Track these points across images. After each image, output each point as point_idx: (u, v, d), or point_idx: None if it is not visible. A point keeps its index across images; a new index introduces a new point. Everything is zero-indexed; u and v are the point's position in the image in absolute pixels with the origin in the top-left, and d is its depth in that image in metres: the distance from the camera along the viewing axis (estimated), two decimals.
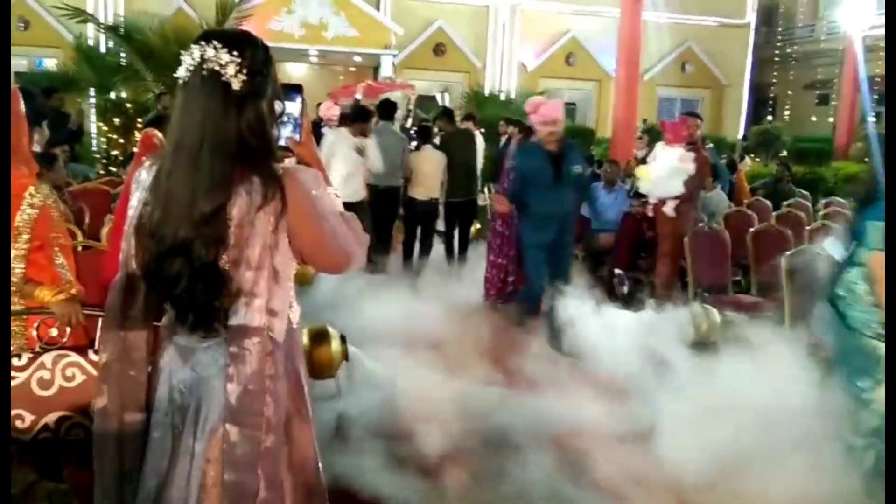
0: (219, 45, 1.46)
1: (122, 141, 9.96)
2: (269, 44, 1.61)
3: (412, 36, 16.36)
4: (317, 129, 7.75)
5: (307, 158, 1.67)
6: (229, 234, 1.45)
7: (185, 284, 1.47)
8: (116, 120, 10.27)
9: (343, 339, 3.44)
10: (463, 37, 17.05)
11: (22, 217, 2.41)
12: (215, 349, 1.53)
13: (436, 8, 16.76)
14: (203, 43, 1.48)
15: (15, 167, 2.39)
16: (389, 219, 6.80)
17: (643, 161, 6.33)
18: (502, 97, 15.96)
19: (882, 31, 17.11)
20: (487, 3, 17.13)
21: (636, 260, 5.83)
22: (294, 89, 1.64)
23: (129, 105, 10.82)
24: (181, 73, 1.49)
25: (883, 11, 17.80)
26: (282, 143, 1.61)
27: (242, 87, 1.46)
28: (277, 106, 1.56)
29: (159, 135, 2.78)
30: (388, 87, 12.06)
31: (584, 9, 17.24)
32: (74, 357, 1.99)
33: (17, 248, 2.40)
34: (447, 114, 7.44)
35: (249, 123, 1.47)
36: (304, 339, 3.34)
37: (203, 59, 1.46)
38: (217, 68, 1.46)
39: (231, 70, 1.46)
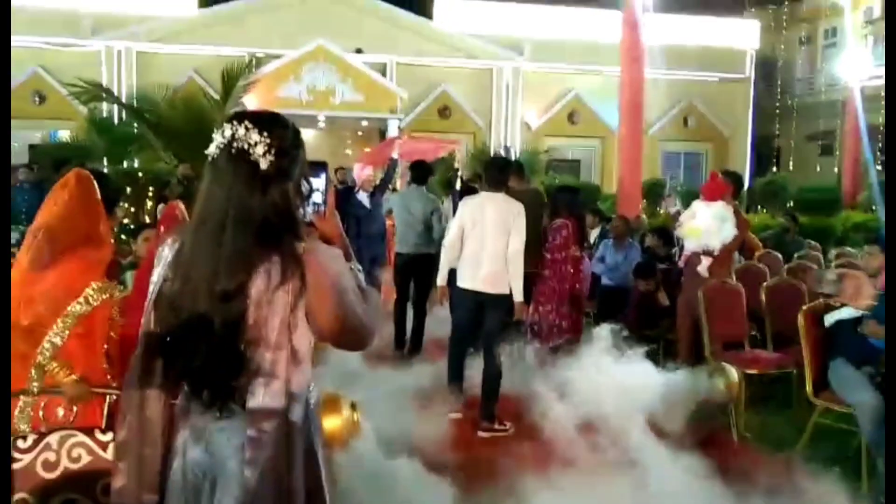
0: (249, 125, 1.50)
1: (133, 210, 10.07)
2: (277, 110, 1.64)
3: (417, 99, 16.68)
4: (349, 193, 7.11)
5: (330, 233, 1.68)
6: (248, 312, 1.45)
7: (201, 360, 1.46)
8: (128, 189, 10.41)
9: (354, 406, 3.35)
10: (467, 98, 17.38)
11: (73, 309, 2.37)
12: (230, 430, 1.50)
13: (440, 71, 17.14)
14: (234, 122, 1.51)
15: (82, 255, 2.35)
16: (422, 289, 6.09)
17: (675, 217, 6.21)
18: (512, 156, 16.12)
19: (881, 82, 17.35)
20: (490, 66, 17.50)
21: (648, 326, 5.77)
22: (319, 165, 1.67)
23: (140, 174, 11.00)
24: (211, 150, 1.52)
25: (881, 63, 18.08)
26: (307, 219, 1.63)
27: (270, 167, 1.49)
28: (304, 186, 1.58)
29: (182, 207, 2.79)
30: (430, 144, 11.55)
31: (585, 67, 17.58)
32: (81, 437, 1.94)
33: (57, 331, 2.35)
34: (519, 169, 5.89)
35: (274, 203, 1.49)
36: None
37: (233, 138, 1.49)
38: (246, 147, 1.48)
39: (260, 150, 1.48)
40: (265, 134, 1.49)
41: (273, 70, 14.70)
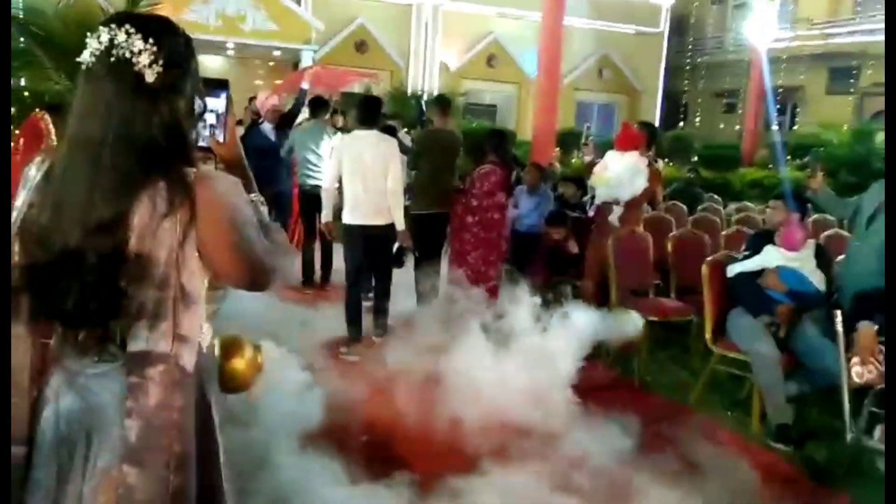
0: (132, 30, 1.29)
1: (18, 133, 9.26)
2: None
3: (333, 32, 16.07)
4: (253, 125, 6.97)
5: (230, 160, 1.51)
6: (129, 246, 1.27)
7: (74, 301, 1.28)
8: (13, 109, 9.56)
9: (258, 347, 3.21)
10: (386, 35, 16.90)
11: None
12: (109, 376, 1.33)
13: (358, 5, 16.52)
14: (114, 25, 1.29)
15: None
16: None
17: (590, 167, 6.24)
18: (425, 97, 15.87)
19: (784, 45, 18.04)
20: (410, 2, 17.02)
21: (557, 274, 5.83)
22: (218, 85, 1.49)
23: (26, 94, 10.09)
24: (85, 57, 1.30)
25: (786, 26, 18.76)
26: (202, 143, 1.45)
27: (157, 79, 1.29)
28: (198, 104, 1.39)
29: (48, 119, 2.49)
30: (345, 76, 10.91)
31: (506, 11, 17.38)
32: None
33: None
34: (442, 104, 5.95)
35: (162, 121, 1.30)
36: (217, 351, 3.11)
37: (112, 44, 1.28)
38: (128, 56, 1.28)
39: (145, 59, 1.28)
40: (151, 41, 1.29)
41: None
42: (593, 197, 5.72)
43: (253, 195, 1.49)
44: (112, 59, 1.28)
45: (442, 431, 3.52)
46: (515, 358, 3.96)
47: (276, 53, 15.83)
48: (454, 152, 5.77)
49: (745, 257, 4.06)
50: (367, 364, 4.48)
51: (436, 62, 17.40)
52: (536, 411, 3.66)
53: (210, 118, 1.46)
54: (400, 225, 4.85)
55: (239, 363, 3.16)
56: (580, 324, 3.99)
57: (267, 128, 6.57)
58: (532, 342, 4.01)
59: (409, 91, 16.25)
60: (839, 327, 3.34)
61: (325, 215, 5.11)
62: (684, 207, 7.34)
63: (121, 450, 1.29)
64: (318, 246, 6.54)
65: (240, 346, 3.21)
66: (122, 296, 1.28)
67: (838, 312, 3.37)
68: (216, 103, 1.46)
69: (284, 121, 6.64)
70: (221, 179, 1.36)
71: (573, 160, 13.15)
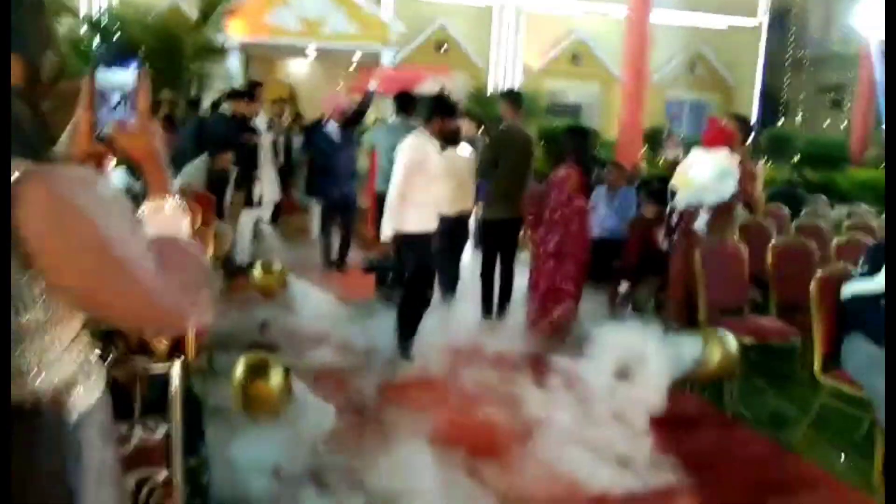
0: None
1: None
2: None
3: (414, 34, 15.89)
4: (317, 126, 6.66)
5: (139, 156, 1.11)
6: None
7: None
8: None
9: (287, 372, 2.89)
10: (466, 36, 16.60)
11: None
12: None
13: (438, 7, 16.29)
14: None
15: None
16: None
17: (673, 166, 5.61)
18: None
19: None
20: (491, 4, 16.63)
21: (647, 271, 5.23)
22: (127, 54, 1.11)
23: None
24: None
25: None
26: (104, 130, 1.09)
27: None
28: (48, 65, 1.01)
29: None
30: (415, 76, 10.45)
31: (590, 8, 16.75)
32: None
33: None
34: (512, 98, 5.46)
35: None
36: (240, 371, 2.81)
37: None
38: None
39: None
40: None
41: None
42: (673, 196, 5.09)
43: (170, 202, 1.11)
44: None
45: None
46: (586, 392, 3.48)
47: (357, 56, 15.77)
48: (532, 151, 5.31)
49: (864, 274, 3.42)
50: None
51: (517, 62, 16.94)
52: (607, 460, 3.16)
53: (114, 97, 1.08)
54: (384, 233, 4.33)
55: (264, 387, 2.87)
56: (664, 349, 3.47)
57: (332, 128, 6.33)
58: (608, 373, 3.52)
59: (490, 91, 15.85)
60: None
61: None
62: (786, 210, 6.59)
63: None
64: None
65: (266, 368, 2.91)
66: None
67: None
68: (122, 77, 1.08)
69: (349, 121, 6.40)
70: (69, 174, 0.97)
71: (660, 160, 12.40)
